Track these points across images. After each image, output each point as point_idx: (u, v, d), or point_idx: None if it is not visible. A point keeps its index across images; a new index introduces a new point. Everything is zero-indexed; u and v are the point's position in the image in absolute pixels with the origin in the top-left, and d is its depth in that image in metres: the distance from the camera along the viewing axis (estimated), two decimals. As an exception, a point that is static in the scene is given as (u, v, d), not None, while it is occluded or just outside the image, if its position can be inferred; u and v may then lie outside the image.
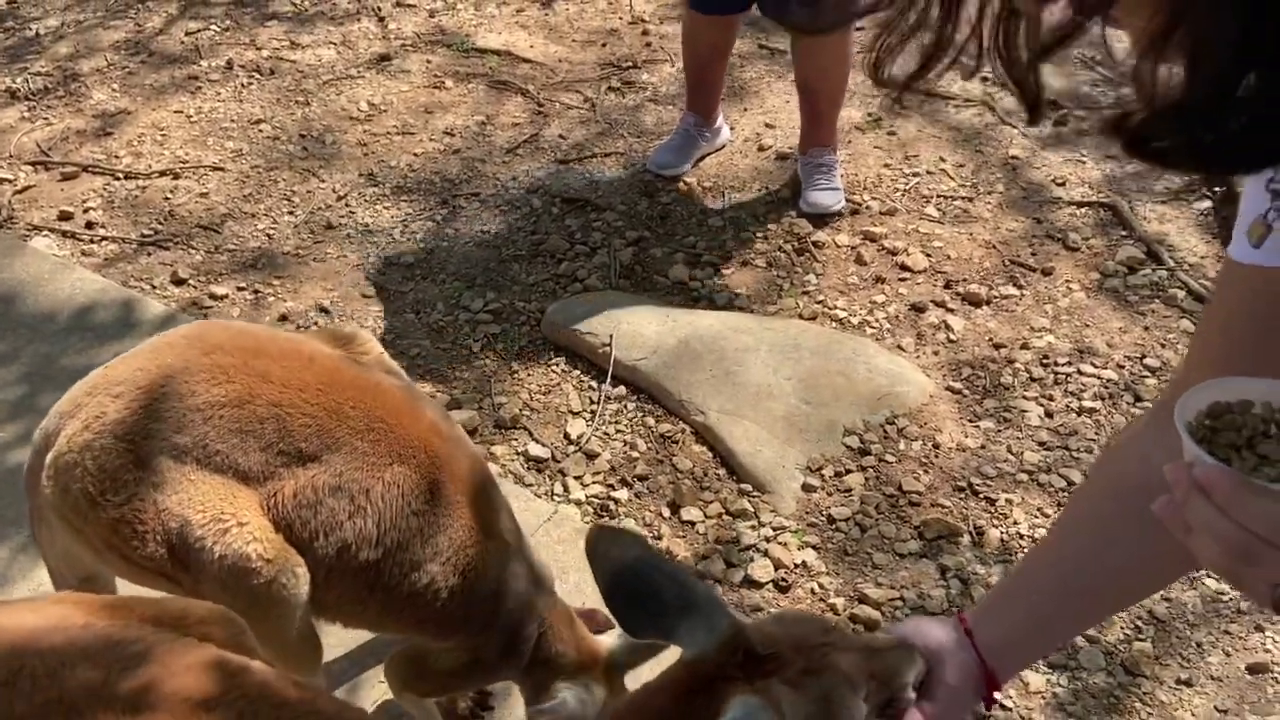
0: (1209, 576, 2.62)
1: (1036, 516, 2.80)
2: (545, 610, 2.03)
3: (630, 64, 4.70)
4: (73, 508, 1.70)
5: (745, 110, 4.40)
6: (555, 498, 2.92)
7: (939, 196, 3.92)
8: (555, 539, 2.72)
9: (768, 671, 1.15)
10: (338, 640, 2.33)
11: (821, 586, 2.66)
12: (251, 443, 1.72)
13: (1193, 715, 2.30)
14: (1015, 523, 2.78)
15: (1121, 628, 2.50)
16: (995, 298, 3.49)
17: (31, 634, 1.20)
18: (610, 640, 2.11)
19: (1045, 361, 3.26)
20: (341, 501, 1.77)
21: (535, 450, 3.06)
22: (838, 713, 1.16)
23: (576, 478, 2.99)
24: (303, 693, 1.25)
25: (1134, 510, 1.17)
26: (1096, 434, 3.02)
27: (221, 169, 4.13)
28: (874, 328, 3.45)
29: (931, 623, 1.30)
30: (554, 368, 3.37)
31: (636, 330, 3.38)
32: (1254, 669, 2.39)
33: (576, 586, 2.57)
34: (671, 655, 1.21)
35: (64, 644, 1.18)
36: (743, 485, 2.93)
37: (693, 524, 2.84)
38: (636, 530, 2.80)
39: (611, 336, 3.34)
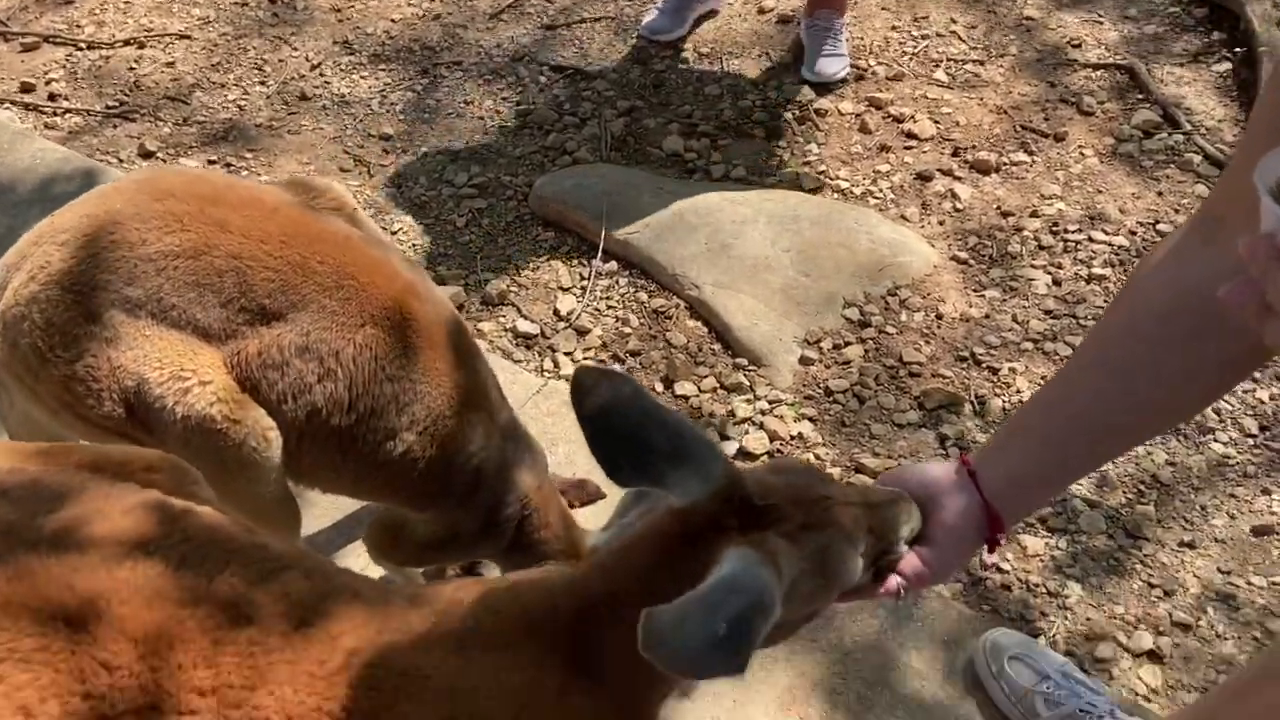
0: (1216, 440, 2.56)
1: (1039, 385, 2.72)
2: (532, 492, 1.95)
3: (620, -76, 4.42)
4: (23, 364, 1.60)
5: (742, -28, 4.15)
6: (545, 373, 2.84)
7: (949, 60, 3.72)
8: (545, 411, 2.64)
9: (764, 524, 1.07)
10: (321, 510, 2.28)
11: (818, 458, 2.60)
12: (210, 297, 1.61)
13: (1195, 577, 2.27)
14: (1018, 391, 2.70)
15: (1124, 491, 2.45)
16: (1005, 165, 3.34)
17: None
18: (597, 535, 2.05)
19: (1055, 229, 3.13)
20: (310, 364, 1.66)
21: (524, 327, 2.97)
22: (835, 568, 1.09)
23: (567, 354, 2.90)
24: (255, 537, 1.18)
25: (1159, 338, 1.09)
26: (1105, 301, 2.92)
27: (188, 37, 3.92)
28: (878, 198, 3.31)
29: (931, 466, 1.23)
30: (542, 243, 3.24)
31: (628, 204, 3.23)
32: (1259, 531, 2.34)
33: (567, 458, 2.51)
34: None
35: None
36: (738, 359, 2.84)
37: (686, 398, 2.76)
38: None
39: (603, 210, 3.20)
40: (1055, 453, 1.15)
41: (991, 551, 1.19)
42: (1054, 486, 1.21)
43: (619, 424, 1.06)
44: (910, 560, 1.18)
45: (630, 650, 1.05)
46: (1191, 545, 2.33)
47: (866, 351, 2.84)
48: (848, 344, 2.86)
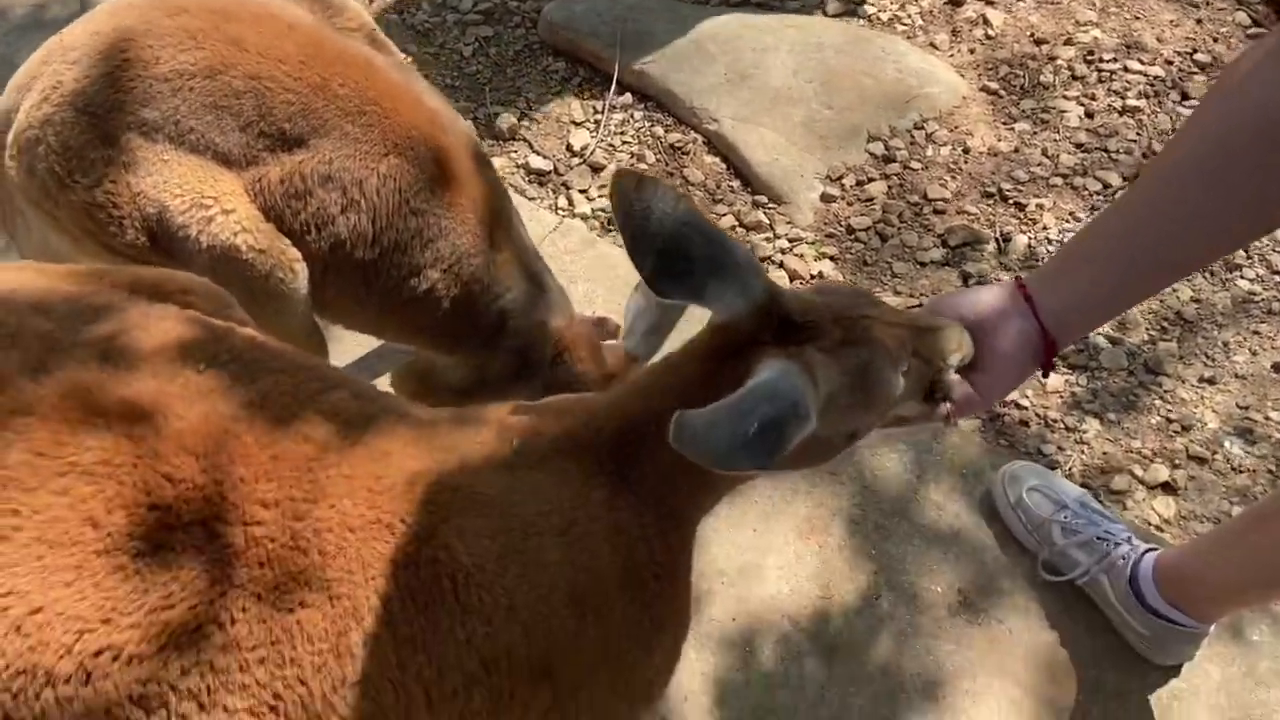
0: (1242, 277, 2.52)
1: (1067, 221, 2.66)
2: (562, 332, 1.91)
3: None
4: (42, 191, 1.54)
5: None
6: (560, 211, 2.77)
7: None
8: (562, 249, 2.59)
9: (803, 339, 1.06)
10: (345, 349, 2.27)
11: (839, 296, 2.57)
12: (229, 120, 1.53)
13: (1213, 412, 2.28)
14: (1044, 228, 2.65)
15: (1146, 328, 2.44)
16: (1039, -12, 3.15)
17: None
18: (615, 346, 2.03)
19: (1089, 58, 2.99)
20: (333, 194, 1.61)
21: (536, 163, 2.87)
22: (873, 385, 1.08)
23: (581, 191, 2.82)
24: (301, 357, 1.18)
25: (1228, 169, 1.03)
26: (1138, 135, 2.82)
27: None
28: (906, 25, 3.14)
29: (983, 292, 1.20)
30: (553, 74, 3.10)
31: (644, 31, 3.07)
32: (1280, 367, 2.35)
33: (585, 296, 2.48)
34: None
35: (22, 303, 1.07)
36: (757, 197, 2.77)
37: (705, 235, 2.70)
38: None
39: (617, 37, 3.04)
40: (1117, 280, 1.12)
41: (1045, 376, 1.18)
42: (1110, 312, 1.19)
43: (659, 231, 1.02)
44: (960, 386, 1.17)
45: (671, 464, 1.08)
46: (1211, 381, 2.34)
47: (890, 188, 2.76)
48: (871, 180, 2.78)
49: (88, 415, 0.97)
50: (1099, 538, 1.87)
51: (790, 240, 2.68)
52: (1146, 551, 1.83)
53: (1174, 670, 1.85)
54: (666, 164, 2.87)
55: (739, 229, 2.71)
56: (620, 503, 1.11)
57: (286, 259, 1.59)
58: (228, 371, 1.08)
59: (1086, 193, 2.72)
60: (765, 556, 2.01)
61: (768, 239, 2.68)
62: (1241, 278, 2.53)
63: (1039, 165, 2.78)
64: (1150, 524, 2.09)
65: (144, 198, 1.51)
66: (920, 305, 2.52)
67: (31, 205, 1.59)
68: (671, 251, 1.03)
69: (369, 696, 0.99)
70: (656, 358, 1.51)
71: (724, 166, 2.85)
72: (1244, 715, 1.81)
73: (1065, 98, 2.91)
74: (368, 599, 0.99)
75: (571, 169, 2.86)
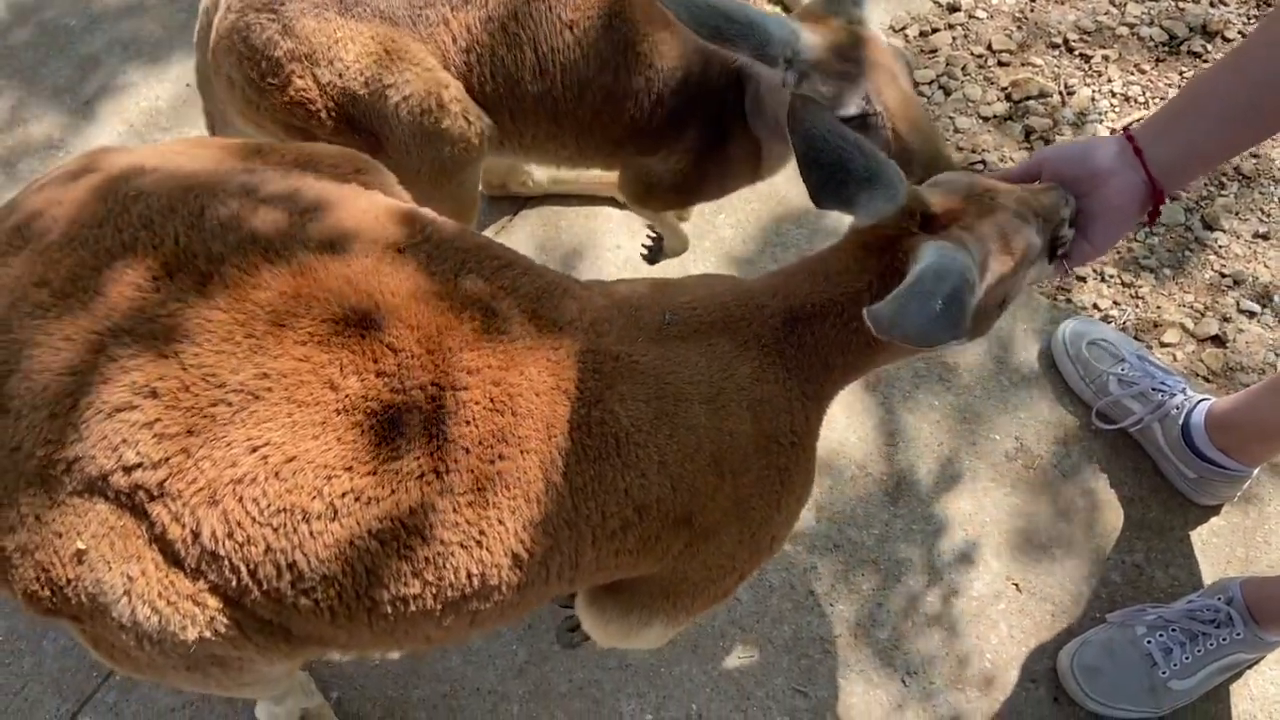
0: (1306, 133, 2.53)
1: (1132, 74, 2.64)
2: (736, 64, 1.67)
3: None
4: (244, 100, 1.61)
5: None
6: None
7: None
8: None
9: (946, 224, 1.17)
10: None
11: (900, 152, 2.60)
12: None
13: (1265, 267, 2.35)
14: (1109, 80, 2.63)
15: (1205, 183, 2.47)
16: None
17: (195, 174, 1.18)
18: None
19: (1165, -104, 2.87)
20: (497, 35, 1.64)
21: None
22: (1017, 244, 1.18)
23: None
24: (477, 237, 1.27)
25: None
26: (1211, -19, 2.75)
27: None
28: None
29: (1096, 144, 1.26)
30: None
31: None
32: (1336, 223, 2.39)
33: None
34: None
35: (236, 186, 1.16)
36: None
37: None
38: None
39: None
40: (1225, 130, 1.18)
41: (1151, 224, 1.27)
42: (1216, 160, 1.27)
43: (825, 152, 1.16)
44: (1081, 248, 1.26)
45: (830, 345, 1.21)
46: (1265, 237, 2.40)
47: (955, 39, 2.73)
48: (935, 30, 2.74)
49: (319, 294, 1.08)
50: (1155, 389, 1.98)
51: (851, 95, 2.68)
52: (1200, 402, 1.95)
53: (1215, 510, 2.01)
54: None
55: (799, 83, 2.71)
56: (768, 376, 1.22)
57: (476, 124, 1.66)
58: (424, 252, 1.18)
59: (1153, 44, 2.69)
60: (834, 405, 2.14)
61: (828, 94, 2.68)
62: (1305, 131, 2.54)
63: (1106, 14, 2.73)
64: (1198, 375, 2.20)
65: (333, 87, 1.56)
66: (982, 161, 2.56)
67: (240, 117, 1.66)
68: (835, 168, 1.16)
69: (549, 533, 1.14)
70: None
71: (783, 17, 2.81)
72: (1279, 552, 1.98)
73: (1137, -60, 2.81)
74: (550, 453, 1.12)
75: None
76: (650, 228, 2.25)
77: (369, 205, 1.21)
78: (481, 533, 1.10)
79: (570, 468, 1.13)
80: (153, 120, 2.55)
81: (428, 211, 1.27)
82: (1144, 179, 1.20)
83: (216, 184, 1.15)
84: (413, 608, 1.11)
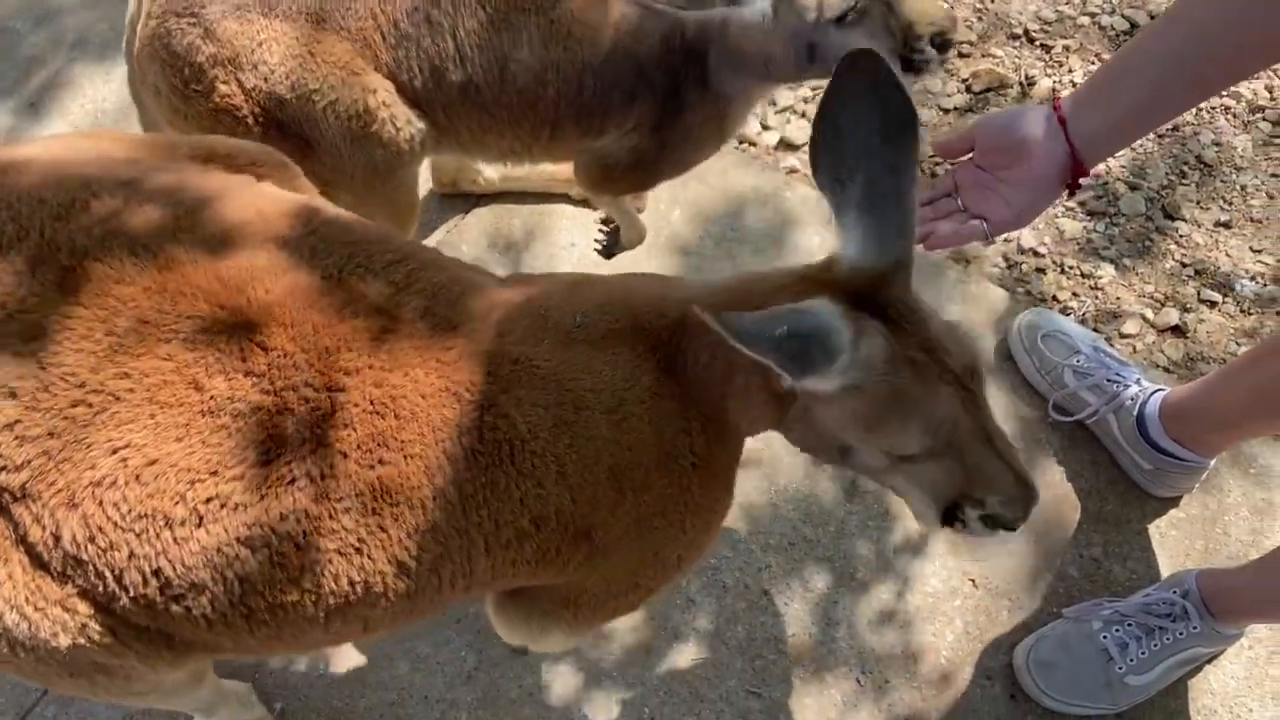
0: (1264, 119, 2.51)
1: (1093, 63, 2.62)
2: (686, 27, 1.65)
3: None
4: (170, 109, 1.57)
5: None
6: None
7: None
8: None
9: (881, 319, 1.05)
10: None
11: (860, 145, 2.57)
12: None
13: (1227, 256, 2.33)
14: (1070, 70, 2.61)
15: (1166, 172, 2.45)
16: None
17: (73, 167, 1.14)
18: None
19: (1125, -116, 2.85)
20: (420, 26, 1.59)
21: None
22: (892, 419, 1.07)
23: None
24: (373, 229, 1.23)
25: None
26: (1171, -31, 2.73)
27: None
28: None
29: (1028, 113, 1.23)
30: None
31: None
32: (1296, 210, 2.37)
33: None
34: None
35: (113, 180, 1.12)
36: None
37: (725, 85, 2.67)
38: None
39: None
40: (1146, 98, 1.16)
41: (1071, 195, 1.24)
42: (1138, 131, 1.24)
43: (851, 144, 1.06)
44: (996, 208, 1.24)
45: (719, 367, 1.13)
46: (1227, 225, 2.37)
47: (913, 31, 2.70)
48: (894, 23, 2.72)
49: (186, 289, 1.04)
50: (1109, 380, 1.96)
51: (813, 89, 2.65)
52: (1154, 392, 1.92)
53: (1173, 502, 1.98)
54: (683, 9, 2.80)
55: (759, 77, 2.68)
56: (665, 391, 1.16)
57: (406, 129, 1.62)
58: (308, 245, 1.13)
59: (1114, 33, 2.66)
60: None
61: (789, 88, 2.65)
62: (1264, 119, 2.52)
63: (1067, 4, 2.71)
64: (1158, 365, 2.18)
65: (259, 91, 1.52)
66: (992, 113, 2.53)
67: (168, 125, 1.62)
68: (852, 165, 1.06)
69: (439, 541, 1.10)
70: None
71: (742, 11, 2.78)
72: (1235, 542, 1.95)
73: (1097, -71, 2.79)
74: (437, 459, 1.08)
75: None
76: (604, 221, 2.21)
77: (255, 198, 1.17)
78: (361, 540, 1.06)
79: (460, 474, 1.09)
80: (98, 121, 2.51)
81: (321, 203, 1.23)
82: (1065, 150, 1.19)
83: (93, 177, 1.11)
84: (293, 615, 1.07)
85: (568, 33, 1.63)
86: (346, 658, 1.85)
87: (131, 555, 0.99)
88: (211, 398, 1.00)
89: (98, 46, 2.65)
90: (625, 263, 2.28)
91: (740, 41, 1.62)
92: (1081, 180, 1.22)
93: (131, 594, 1.00)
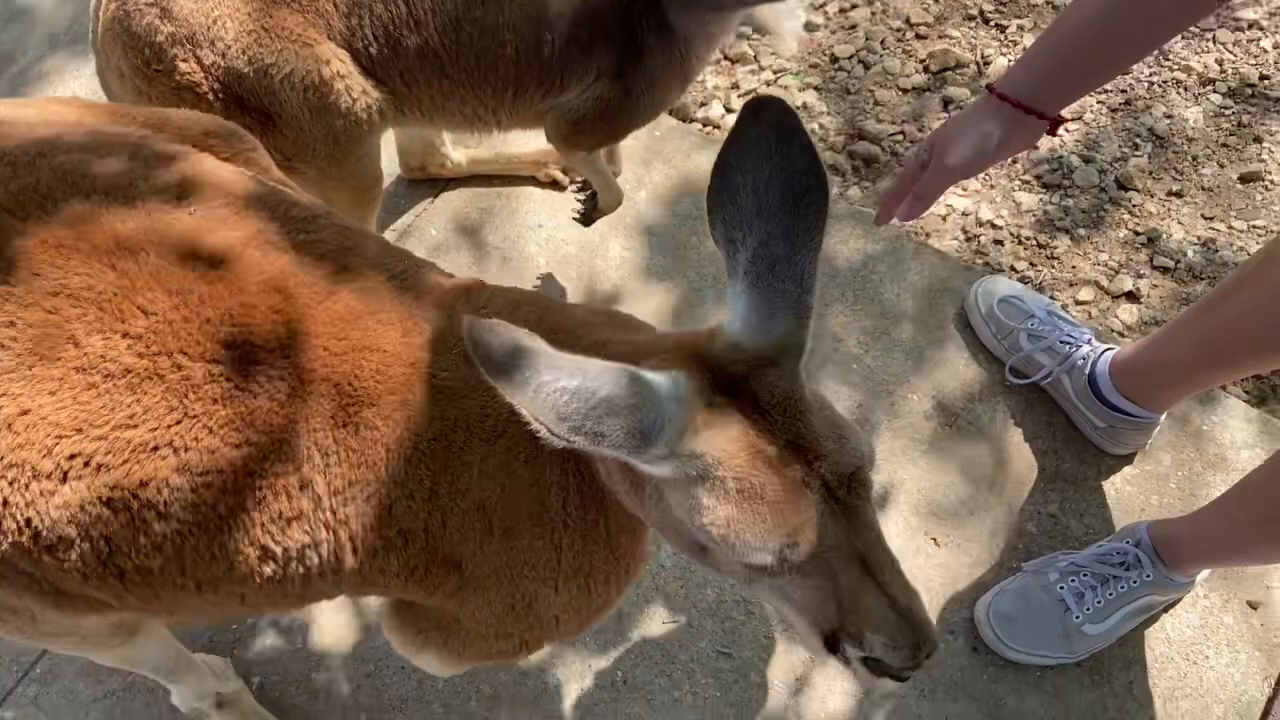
0: (1214, 92, 2.58)
1: (1047, 42, 2.68)
2: None
3: None
4: (135, 92, 1.60)
5: None
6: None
7: None
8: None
9: (743, 413, 0.94)
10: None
11: (822, 127, 2.63)
12: None
13: (1179, 224, 2.39)
14: (1024, 49, 2.67)
15: (1119, 145, 2.51)
16: None
17: (13, 126, 1.15)
18: None
19: None
20: None
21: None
22: (704, 540, 0.97)
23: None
24: (292, 196, 1.23)
25: None
26: (1121, -51, 2.80)
27: None
28: None
29: (963, 115, 1.34)
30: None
31: None
32: (1246, 178, 2.44)
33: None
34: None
35: (45, 135, 1.13)
36: (742, 29, 2.77)
37: (689, 70, 2.72)
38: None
39: None
40: (1072, 72, 1.26)
41: (1053, 133, 1.31)
42: (1082, 90, 1.32)
43: (764, 196, 0.94)
44: (929, 182, 1.31)
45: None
46: (1179, 194, 2.44)
47: (874, 13, 2.77)
48: (854, 6, 2.78)
49: (81, 246, 1.04)
50: (1062, 341, 2.01)
51: (775, 72, 2.70)
52: (1105, 351, 1.98)
53: (1128, 459, 2.04)
54: (648, -2, 2.85)
55: (724, 61, 2.73)
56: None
57: (362, 99, 1.64)
58: (217, 215, 1.12)
59: (1067, 11, 2.73)
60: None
61: (752, 71, 2.71)
62: (1214, 92, 2.59)
63: (1021, -15, 2.77)
64: (1114, 331, 2.24)
65: (217, 68, 1.55)
66: (901, 132, 2.59)
67: (132, 103, 1.64)
68: (746, 226, 0.95)
69: (305, 531, 1.08)
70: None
71: (706, -2, 2.83)
72: (1189, 496, 2.01)
73: (1049, -88, 2.86)
74: (308, 448, 1.06)
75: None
76: (581, 186, 2.22)
77: (181, 164, 1.17)
78: (221, 517, 1.05)
79: (330, 468, 1.06)
80: (71, 117, 2.54)
81: (246, 174, 1.23)
82: (1006, 112, 1.27)
83: (27, 138, 1.13)
84: (163, 581, 1.07)
85: None
86: (323, 631, 1.89)
87: (5, 502, 1.00)
88: (86, 355, 1.00)
89: (67, 42, 2.68)
90: (594, 238, 2.32)
91: None
92: (1060, 120, 1.30)
93: (10, 540, 1.01)
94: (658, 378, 0.92)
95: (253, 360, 1.04)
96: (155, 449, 1.01)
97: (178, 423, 1.01)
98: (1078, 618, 1.79)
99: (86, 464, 1.00)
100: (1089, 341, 2.01)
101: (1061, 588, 1.81)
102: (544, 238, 2.35)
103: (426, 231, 2.35)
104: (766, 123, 0.94)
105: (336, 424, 1.06)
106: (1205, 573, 1.86)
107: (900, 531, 1.98)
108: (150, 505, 1.02)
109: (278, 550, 1.08)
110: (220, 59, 1.55)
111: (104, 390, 1.00)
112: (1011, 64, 1.31)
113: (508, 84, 1.73)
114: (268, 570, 1.09)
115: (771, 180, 0.93)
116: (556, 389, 0.84)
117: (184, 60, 1.55)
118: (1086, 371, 1.96)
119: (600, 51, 1.72)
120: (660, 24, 1.71)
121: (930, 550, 1.96)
